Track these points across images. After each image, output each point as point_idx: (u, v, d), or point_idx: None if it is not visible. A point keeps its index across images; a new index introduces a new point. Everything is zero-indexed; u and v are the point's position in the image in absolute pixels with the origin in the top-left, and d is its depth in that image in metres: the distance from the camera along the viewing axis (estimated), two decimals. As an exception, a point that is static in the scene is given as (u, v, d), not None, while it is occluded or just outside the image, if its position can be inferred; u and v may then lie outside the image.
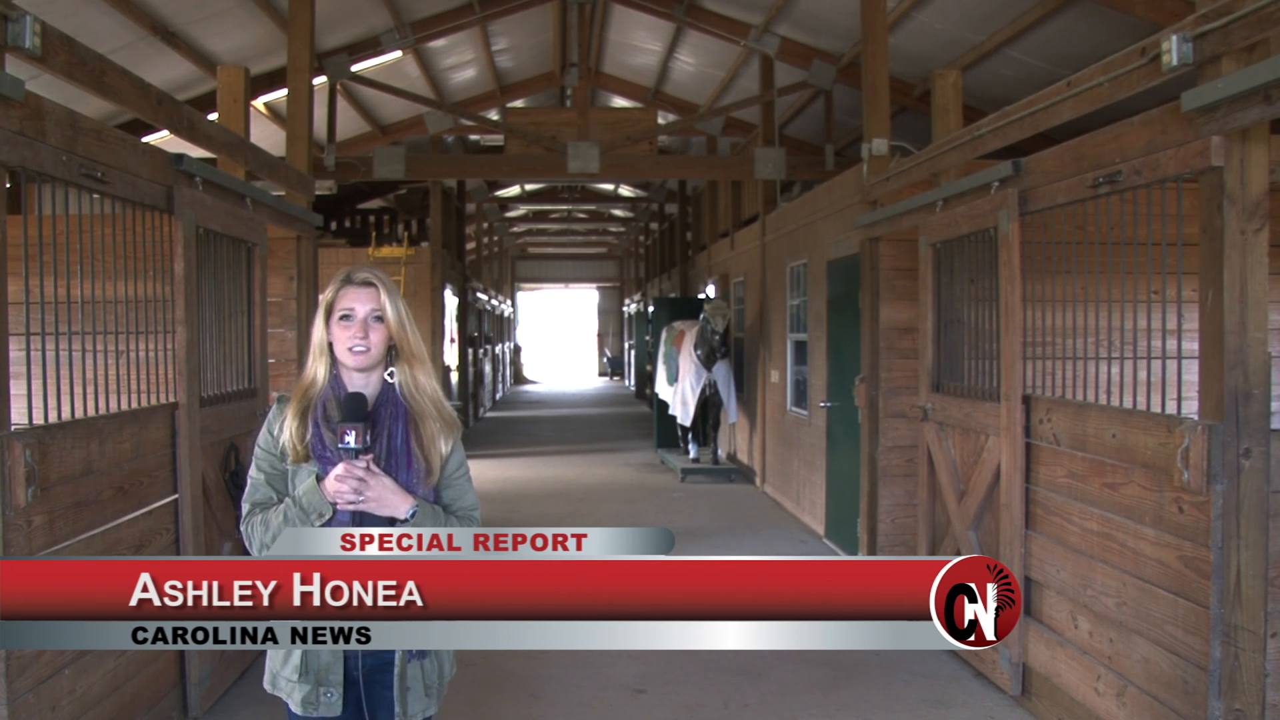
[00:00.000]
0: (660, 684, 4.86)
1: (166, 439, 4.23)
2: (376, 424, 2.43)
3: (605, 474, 11.85)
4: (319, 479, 2.36)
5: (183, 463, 4.29)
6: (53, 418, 3.47)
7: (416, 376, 2.49)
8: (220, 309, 4.82)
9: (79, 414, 3.62)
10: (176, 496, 4.29)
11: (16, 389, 3.27)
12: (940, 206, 5.34)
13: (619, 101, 14.12)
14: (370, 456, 2.35)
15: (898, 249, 6.64)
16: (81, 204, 3.60)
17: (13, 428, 3.10)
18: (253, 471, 2.47)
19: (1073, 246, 4.34)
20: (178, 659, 4.27)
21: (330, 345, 2.45)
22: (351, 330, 2.41)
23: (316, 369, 2.47)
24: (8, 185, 3.14)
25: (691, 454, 11.88)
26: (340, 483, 2.30)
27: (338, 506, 2.33)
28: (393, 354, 2.48)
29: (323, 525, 2.35)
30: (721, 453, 12.09)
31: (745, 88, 11.43)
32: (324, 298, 2.47)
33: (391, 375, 2.48)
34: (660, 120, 11.93)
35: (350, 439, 2.30)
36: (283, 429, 2.43)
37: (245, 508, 2.43)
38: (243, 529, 2.43)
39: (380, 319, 2.43)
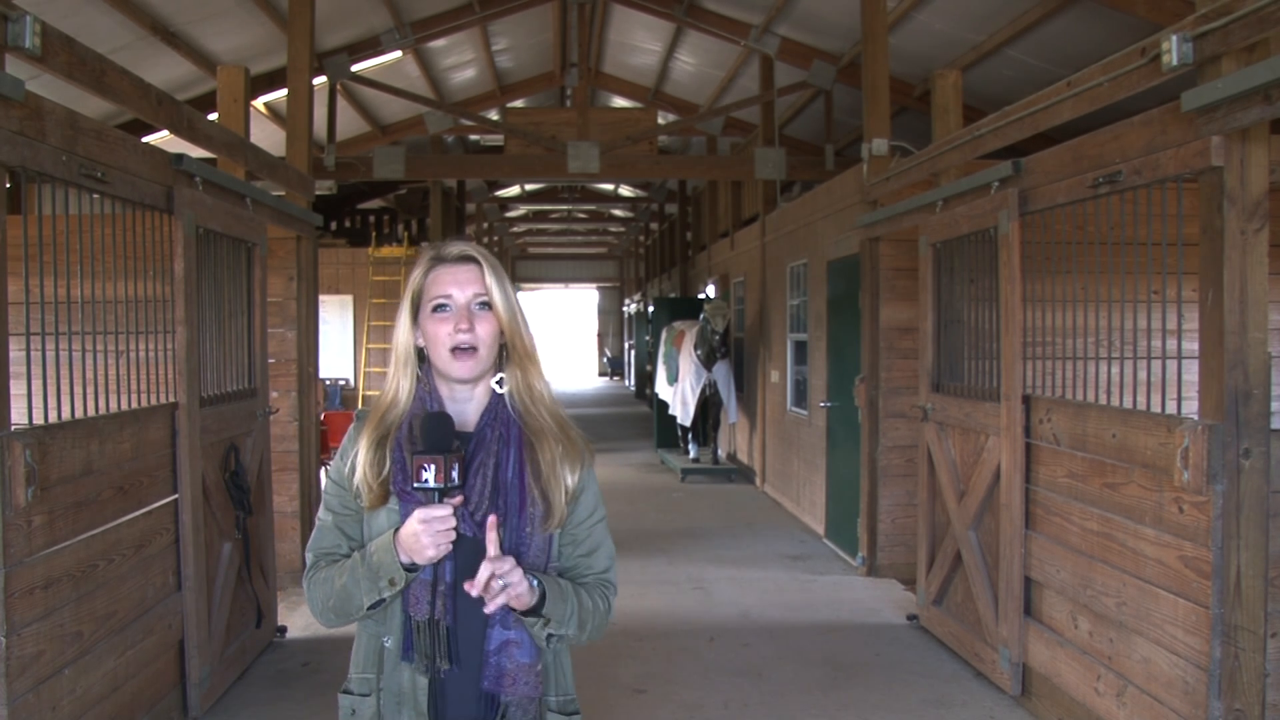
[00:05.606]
0: (660, 684, 4.85)
1: (166, 439, 4.23)
2: (479, 451, 1.81)
3: (605, 474, 11.83)
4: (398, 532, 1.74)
5: (183, 463, 4.29)
6: (53, 418, 3.47)
7: (531, 383, 1.88)
8: (220, 309, 4.82)
9: (79, 414, 3.62)
10: (176, 496, 4.29)
11: (16, 389, 3.26)
12: (940, 206, 5.35)
13: (619, 101, 14.12)
14: (459, 499, 1.72)
15: (898, 249, 6.65)
16: (81, 204, 3.60)
17: (13, 428, 3.10)
18: (321, 511, 1.90)
19: (1073, 246, 4.34)
20: (178, 659, 4.27)
21: (419, 350, 1.85)
22: (451, 324, 1.80)
23: (399, 383, 1.85)
24: (8, 185, 3.13)
25: (691, 454, 11.89)
26: (417, 537, 1.68)
27: (417, 563, 1.72)
28: (503, 355, 1.88)
29: (394, 595, 1.77)
30: (721, 453, 12.09)
31: (745, 88, 11.43)
32: (410, 285, 1.86)
33: (501, 384, 1.87)
34: (660, 120, 11.93)
35: (429, 476, 1.68)
36: (356, 460, 1.83)
37: (309, 557, 1.90)
38: (304, 583, 1.89)
39: (487, 306, 1.82)
